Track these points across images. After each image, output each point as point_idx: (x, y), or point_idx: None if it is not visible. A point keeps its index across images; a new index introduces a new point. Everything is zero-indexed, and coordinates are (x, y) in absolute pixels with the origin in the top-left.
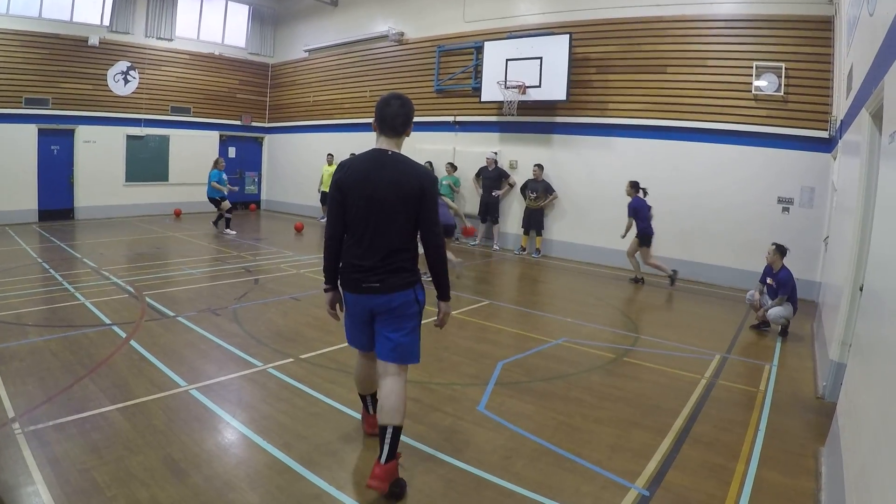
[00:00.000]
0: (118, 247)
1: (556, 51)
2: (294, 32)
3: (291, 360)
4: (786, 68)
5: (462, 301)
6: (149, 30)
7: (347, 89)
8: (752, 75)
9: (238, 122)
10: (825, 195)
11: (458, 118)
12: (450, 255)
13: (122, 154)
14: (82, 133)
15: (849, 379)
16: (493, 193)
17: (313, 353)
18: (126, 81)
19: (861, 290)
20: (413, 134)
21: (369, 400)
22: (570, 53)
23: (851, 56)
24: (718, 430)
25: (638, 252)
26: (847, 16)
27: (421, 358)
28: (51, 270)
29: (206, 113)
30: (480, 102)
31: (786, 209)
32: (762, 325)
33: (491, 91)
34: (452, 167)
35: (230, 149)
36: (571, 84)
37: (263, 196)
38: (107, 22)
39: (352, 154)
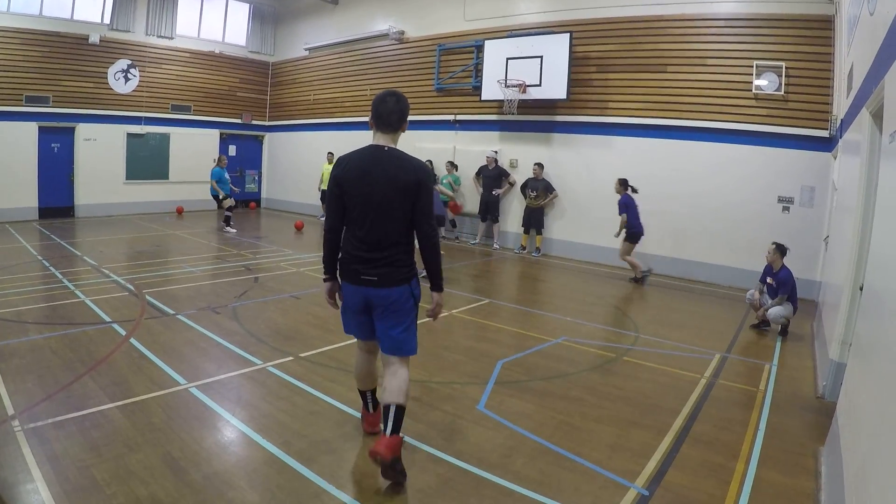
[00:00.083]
0: (118, 244)
1: (557, 50)
2: (294, 31)
3: (291, 358)
4: (786, 67)
5: (462, 300)
6: (149, 28)
7: (348, 88)
8: (752, 74)
9: (238, 121)
10: (825, 194)
11: (459, 117)
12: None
13: (122, 152)
14: (83, 131)
15: (849, 378)
16: (494, 192)
17: (313, 352)
18: (126, 79)
19: (861, 289)
20: (413, 132)
21: (369, 396)
22: (571, 52)
23: (852, 55)
24: (718, 430)
25: (627, 248)
26: (847, 15)
27: (421, 357)
28: (51, 268)
29: (207, 111)
30: (481, 101)
31: (786, 208)
32: (762, 325)
33: (491, 90)
34: (452, 166)
35: (230, 147)
36: (572, 83)
37: (264, 194)
38: (107, 20)
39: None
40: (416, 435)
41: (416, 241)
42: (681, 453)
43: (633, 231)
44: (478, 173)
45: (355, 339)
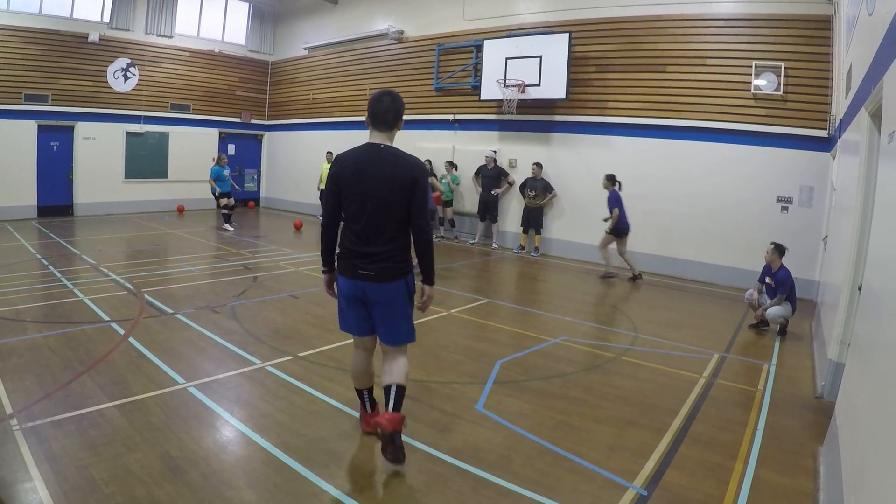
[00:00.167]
0: (117, 243)
1: (556, 49)
2: (294, 30)
3: (290, 357)
4: (785, 67)
5: (461, 299)
6: (149, 27)
7: (347, 87)
8: (751, 74)
9: (238, 120)
10: (824, 194)
11: (458, 116)
12: None
13: (121, 151)
14: (82, 129)
15: (847, 378)
16: (493, 192)
17: (312, 351)
18: (126, 78)
19: (860, 289)
20: (412, 132)
21: (366, 395)
22: (570, 52)
23: (850, 55)
24: (717, 430)
25: (619, 245)
26: (846, 15)
27: (420, 357)
28: (49, 267)
29: (206, 110)
30: (480, 101)
31: (785, 208)
32: (761, 325)
33: (490, 89)
34: (452, 165)
35: (230, 146)
36: (571, 83)
37: (263, 193)
38: (107, 18)
39: None
40: (414, 434)
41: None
42: (679, 453)
43: (618, 226)
44: (477, 173)
45: (352, 339)
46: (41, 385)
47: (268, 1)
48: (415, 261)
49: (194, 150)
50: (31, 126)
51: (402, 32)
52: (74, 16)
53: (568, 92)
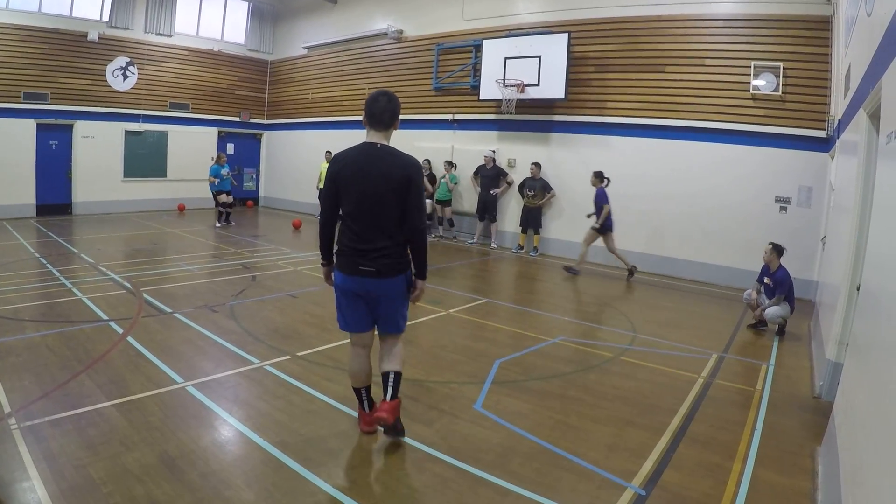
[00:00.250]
0: (116, 242)
1: (555, 49)
2: (293, 29)
3: (288, 357)
4: (784, 68)
5: (459, 299)
6: (148, 25)
7: (346, 87)
8: (750, 75)
9: (237, 119)
10: (823, 195)
11: (457, 116)
12: None
13: (120, 149)
14: (81, 128)
15: (845, 378)
16: (492, 192)
17: (310, 351)
18: (125, 77)
19: (858, 289)
20: (411, 131)
21: (364, 394)
22: (569, 52)
23: (849, 56)
24: (715, 430)
25: (607, 242)
26: (845, 16)
27: (418, 357)
28: (48, 265)
29: (205, 109)
30: (479, 101)
31: (783, 208)
32: (759, 325)
33: (489, 89)
34: (451, 165)
35: (229, 145)
36: (570, 83)
37: (262, 193)
38: (106, 17)
39: None
40: (413, 434)
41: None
42: (678, 453)
43: (603, 223)
44: (476, 173)
45: (349, 339)
46: (39, 384)
47: (267, 0)
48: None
49: (193, 149)
50: (29, 125)
51: (401, 32)
52: (74, 14)
53: (567, 92)
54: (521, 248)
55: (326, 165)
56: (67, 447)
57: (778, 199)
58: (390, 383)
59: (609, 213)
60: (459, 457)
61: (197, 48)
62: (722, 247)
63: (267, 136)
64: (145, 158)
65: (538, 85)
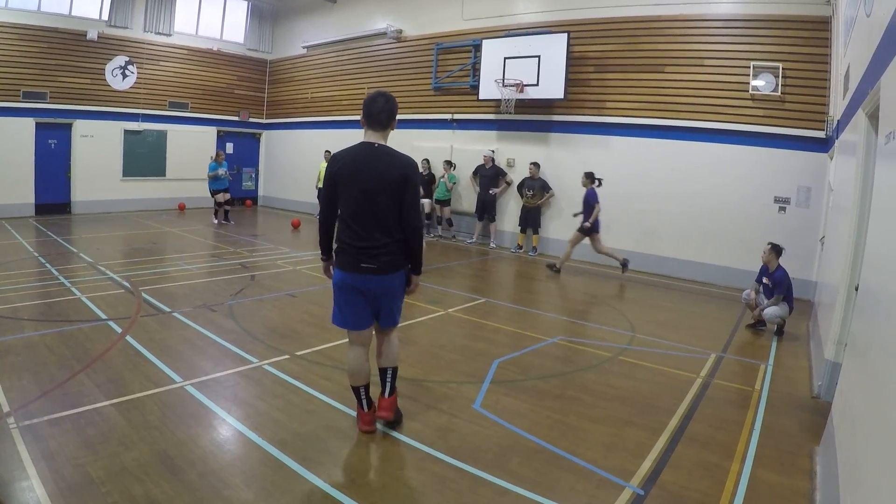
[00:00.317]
0: (115, 242)
1: (554, 49)
2: (293, 29)
3: (287, 356)
4: (783, 68)
5: (458, 299)
6: (147, 25)
7: (345, 86)
8: (749, 75)
9: (236, 118)
10: (821, 195)
11: (456, 116)
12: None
13: (119, 149)
14: (80, 127)
15: (844, 378)
16: (491, 191)
17: (309, 350)
18: (124, 76)
19: (856, 289)
20: (411, 131)
21: (363, 392)
22: (568, 52)
23: (848, 56)
24: (714, 430)
25: (594, 243)
26: (844, 16)
27: (417, 356)
28: (47, 265)
29: (204, 108)
30: (478, 100)
31: (782, 209)
32: (758, 325)
33: (489, 89)
34: (450, 165)
35: (228, 144)
36: (569, 83)
37: (261, 192)
38: (105, 16)
39: None
40: (412, 434)
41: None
42: (676, 453)
43: (593, 224)
44: (475, 172)
45: (347, 338)
46: (38, 383)
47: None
48: None
49: (192, 148)
50: (28, 124)
51: (400, 32)
52: (73, 13)
53: (566, 92)
54: (520, 247)
55: (325, 165)
56: (66, 446)
57: (777, 200)
58: (388, 379)
59: (587, 218)
60: (458, 456)
61: (196, 47)
62: (721, 247)
63: (266, 135)
64: (144, 158)
65: (537, 85)
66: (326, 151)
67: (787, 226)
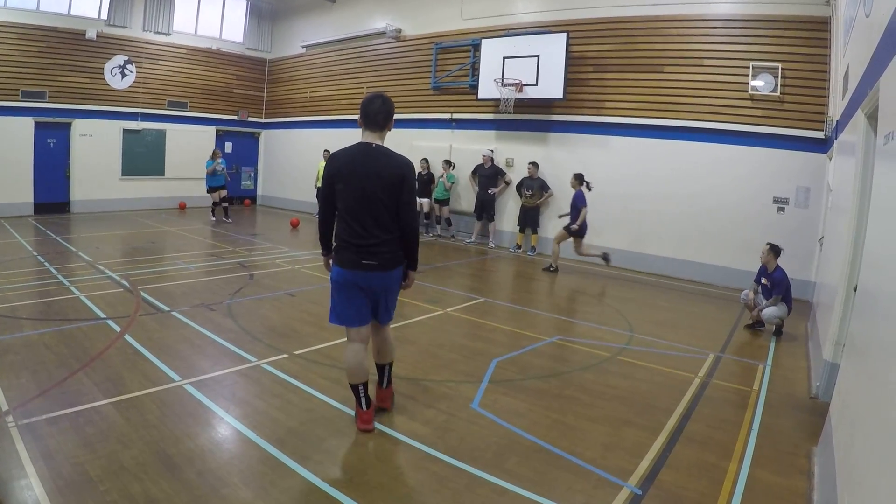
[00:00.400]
0: (113, 241)
1: (554, 49)
2: (292, 28)
3: (286, 355)
4: (782, 68)
5: (457, 298)
6: (146, 24)
7: (344, 85)
8: (748, 75)
9: (235, 117)
10: (820, 195)
11: (455, 115)
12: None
13: (118, 148)
14: (79, 126)
15: (842, 379)
16: (490, 191)
17: (308, 350)
18: (123, 75)
19: (855, 290)
20: (410, 130)
21: (362, 390)
22: (568, 52)
23: (847, 57)
24: (712, 429)
25: (577, 245)
26: (843, 17)
27: (416, 355)
28: (46, 264)
29: (203, 108)
30: (477, 100)
31: (781, 209)
32: (756, 325)
33: (488, 89)
34: (449, 164)
35: (227, 144)
36: (568, 82)
37: (259, 191)
38: (104, 15)
39: None
40: (410, 433)
41: None
42: (674, 452)
43: (580, 225)
44: (474, 172)
45: (346, 336)
46: (37, 382)
47: None
48: None
49: (191, 147)
50: (27, 123)
51: (399, 31)
52: (72, 12)
53: (565, 91)
54: (519, 247)
55: (324, 164)
56: (65, 445)
57: (776, 200)
58: (386, 373)
59: (569, 215)
60: (456, 455)
61: (195, 47)
62: (719, 247)
63: (265, 134)
64: (143, 157)
65: (536, 84)
66: (325, 151)
67: (785, 226)
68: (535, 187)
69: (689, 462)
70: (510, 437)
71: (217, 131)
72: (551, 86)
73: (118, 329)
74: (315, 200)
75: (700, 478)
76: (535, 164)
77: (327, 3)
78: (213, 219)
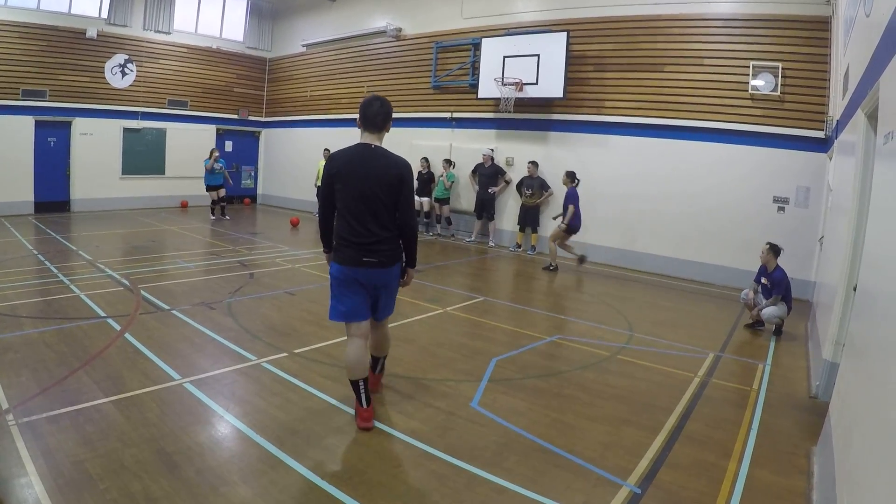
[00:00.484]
0: (114, 239)
1: (554, 48)
2: (292, 27)
3: (285, 354)
4: (782, 68)
5: (457, 297)
6: (147, 23)
7: (345, 84)
8: (748, 75)
9: (235, 116)
10: (820, 195)
11: (455, 114)
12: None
13: (118, 147)
14: (79, 125)
15: (842, 378)
16: (490, 190)
17: (307, 348)
18: (123, 74)
19: (855, 289)
20: (410, 129)
21: (362, 386)
22: (568, 51)
23: (848, 56)
24: (711, 429)
25: (562, 238)
26: (844, 16)
27: (415, 354)
28: (46, 262)
29: (204, 106)
30: (477, 99)
31: (781, 209)
32: (756, 325)
33: (488, 88)
34: (449, 163)
35: (227, 143)
36: (568, 82)
37: (260, 190)
38: (105, 14)
39: None
40: (410, 431)
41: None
42: (673, 452)
43: (571, 224)
44: (474, 171)
45: (345, 332)
46: (37, 380)
47: None
48: None
49: (192, 146)
50: (28, 122)
51: (400, 30)
52: (72, 11)
53: (565, 91)
54: (519, 246)
55: (324, 163)
56: (65, 443)
57: (776, 199)
58: (380, 362)
59: (576, 215)
60: (456, 454)
61: (196, 45)
62: (719, 246)
63: (265, 133)
64: (143, 156)
65: (537, 84)
66: (325, 150)
67: (785, 226)
68: (535, 186)
69: (688, 461)
70: (509, 435)
71: (217, 130)
72: (551, 85)
73: (118, 327)
74: (315, 199)
75: (699, 477)
76: (534, 164)
77: (327, 2)
78: (213, 217)
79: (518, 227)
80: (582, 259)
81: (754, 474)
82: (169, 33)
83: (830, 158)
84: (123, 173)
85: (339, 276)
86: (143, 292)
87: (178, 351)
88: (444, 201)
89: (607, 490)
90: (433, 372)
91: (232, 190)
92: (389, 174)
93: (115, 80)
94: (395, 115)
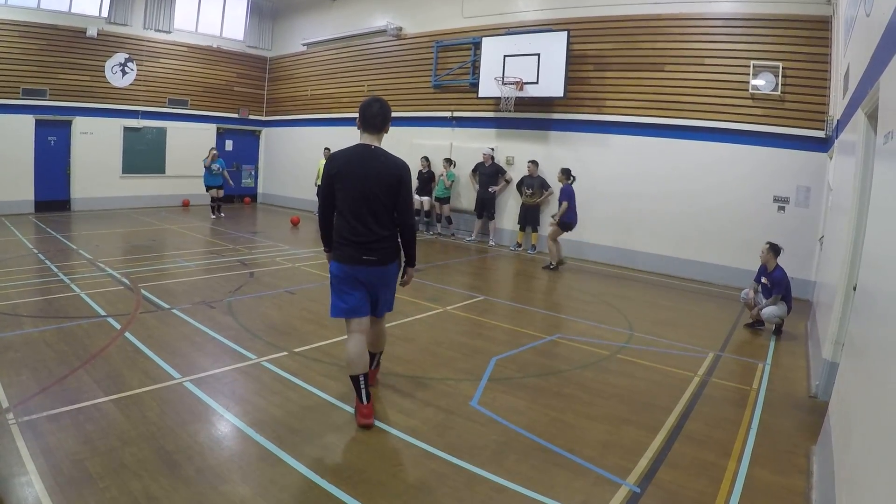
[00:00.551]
0: (114, 238)
1: (554, 47)
2: (292, 26)
3: (285, 353)
4: (783, 68)
5: (457, 296)
6: (147, 22)
7: (345, 84)
8: (749, 74)
9: (235, 115)
10: (821, 195)
11: (456, 113)
12: None
13: (119, 146)
14: (79, 124)
15: (841, 378)
16: (490, 189)
17: (307, 347)
18: (124, 73)
19: (854, 289)
20: (410, 129)
21: (363, 382)
22: (568, 50)
23: (848, 56)
24: (711, 428)
25: (555, 233)
26: (844, 16)
27: (415, 353)
28: (46, 261)
29: (204, 106)
30: (478, 98)
31: (781, 208)
32: (756, 324)
33: (488, 87)
34: (449, 163)
35: (227, 142)
36: (569, 81)
37: (260, 189)
38: (105, 13)
39: None
40: (409, 430)
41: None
42: (673, 451)
43: (566, 220)
44: (474, 170)
45: (345, 328)
46: (37, 379)
47: None
48: None
49: (192, 145)
50: (28, 121)
51: (400, 29)
52: (72, 10)
53: (566, 90)
54: (520, 245)
55: (325, 162)
56: (65, 442)
57: (776, 199)
58: (377, 358)
59: (572, 212)
60: (455, 453)
61: (196, 44)
62: (720, 246)
63: (266, 132)
64: (144, 155)
65: (537, 83)
66: (326, 149)
67: (786, 225)
68: (535, 186)
69: (688, 460)
70: (509, 434)
71: (218, 129)
72: (552, 84)
73: (118, 326)
74: (315, 198)
75: (699, 476)
76: (535, 163)
77: (328, 1)
78: (213, 216)
79: (518, 226)
80: (558, 265)
81: (754, 474)
82: (169, 32)
83: (831, 158)
84: (124, 172)
85: (339, 274)
86: (143, 291)
87: (178, 350)
88: (444, 200)
89: (607, 489)
90: (433, 371)
91: (232, 189)
92: (388, 175)
93: (116, 80)
94: (395, 115)
